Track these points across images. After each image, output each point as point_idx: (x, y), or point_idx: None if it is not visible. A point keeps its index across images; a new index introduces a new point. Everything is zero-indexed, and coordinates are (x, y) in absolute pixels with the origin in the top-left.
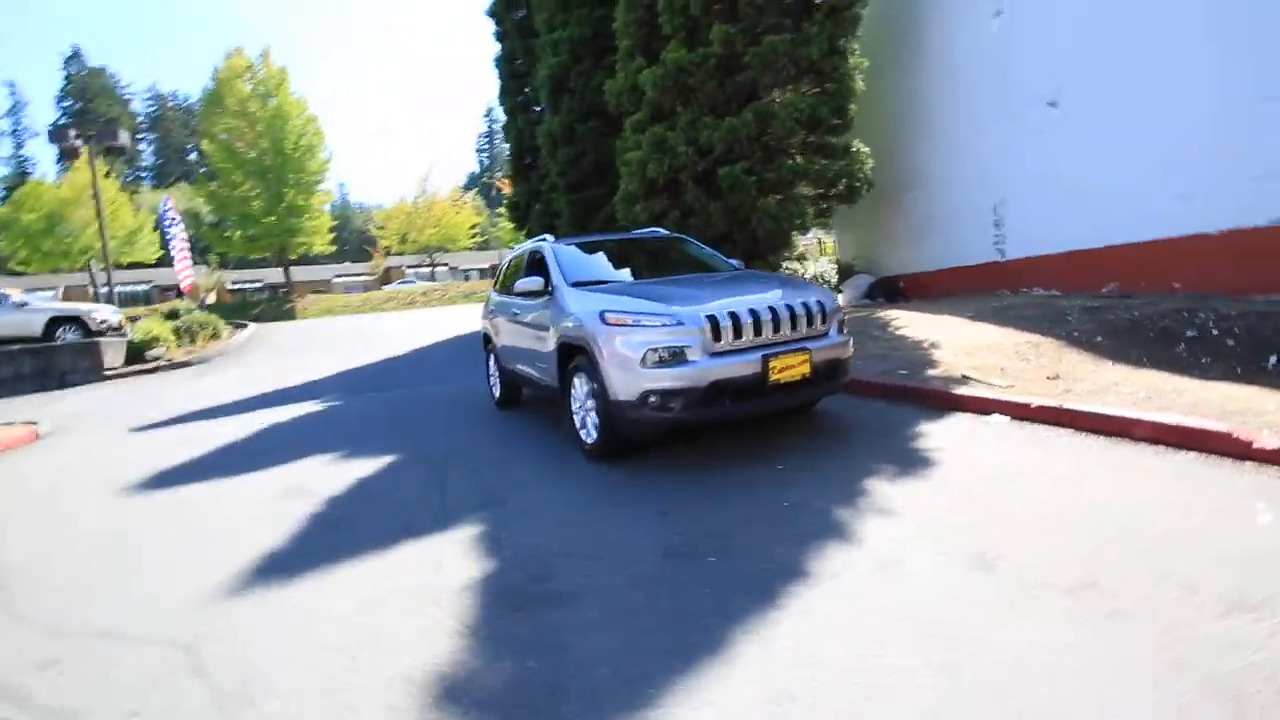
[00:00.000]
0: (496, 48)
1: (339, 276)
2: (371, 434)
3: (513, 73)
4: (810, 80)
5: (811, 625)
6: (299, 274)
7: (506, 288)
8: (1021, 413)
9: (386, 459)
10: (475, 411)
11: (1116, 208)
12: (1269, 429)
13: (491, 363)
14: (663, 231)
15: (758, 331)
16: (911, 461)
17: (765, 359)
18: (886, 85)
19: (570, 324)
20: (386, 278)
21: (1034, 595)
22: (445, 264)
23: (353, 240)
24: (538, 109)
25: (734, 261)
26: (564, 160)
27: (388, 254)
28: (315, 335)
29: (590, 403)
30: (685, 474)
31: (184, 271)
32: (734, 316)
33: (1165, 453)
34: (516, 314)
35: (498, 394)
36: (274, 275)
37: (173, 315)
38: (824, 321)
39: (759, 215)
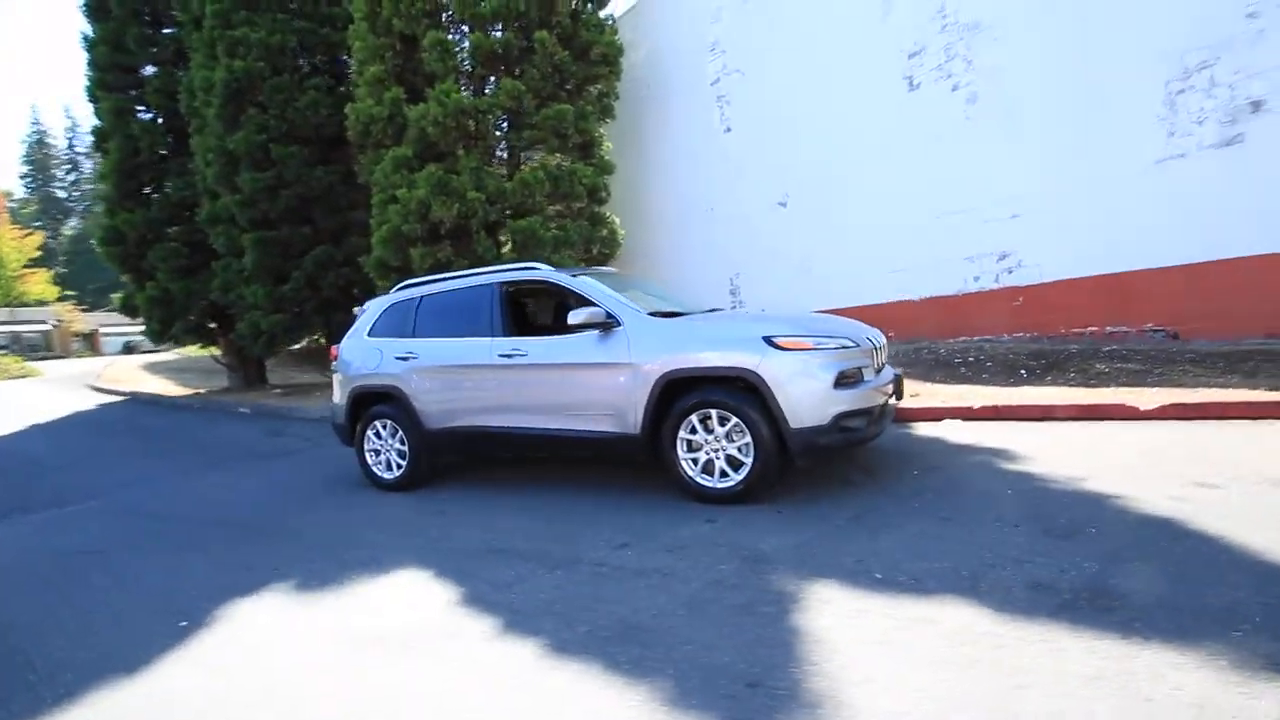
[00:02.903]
0: (87, 25)
1: None
2: (262, 558)
3: (118, 64)
4: (578, 153)
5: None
6: None
7: (434, 331)
8: (966, 414)
9: (411, 574)
10: (366, 499)
11: (842, 281)
12: (1139, 401)
13: (380, 435)
14: (610, 269)
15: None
16: (981, 452)
17: (898, 377)
18: (629, 170)
19: (704, 353)
20: None
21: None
22: None
23: None
24: (149, 114)
25: None
26: (253, 188)
27: None
28: None
29: (726, 442)
30: (843, 505)
31: None
32: (875, 340)
33: (1089, 423)
34: (512, 359)
35: (396, 473)
36: None
37: None
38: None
39: None
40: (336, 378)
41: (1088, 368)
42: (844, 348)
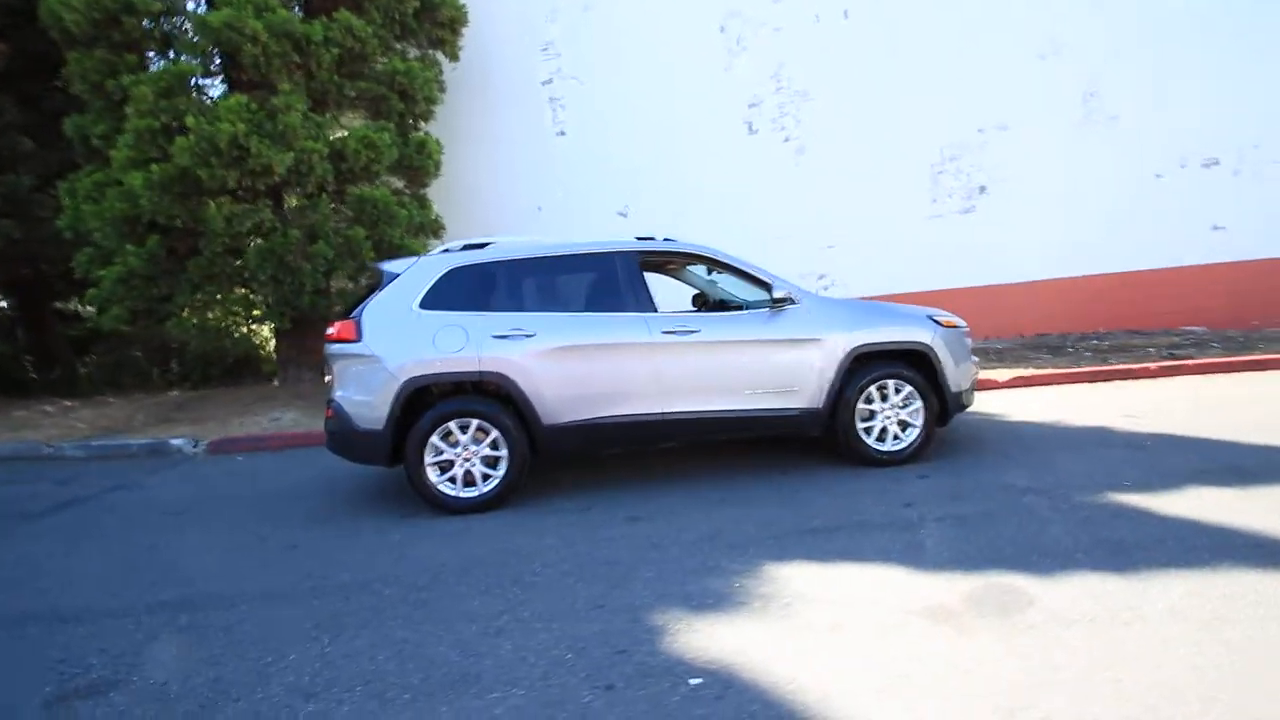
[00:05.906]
0: None
1: None
2: None
3: None
4: (411, 122)
5: None
6: None
7: (540, 305)
8: None
9: (794, 569)
10: (446, 530)
11: (683, 290)
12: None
13: (453, 442)
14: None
15: None
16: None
17: None
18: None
19: (890, 328)
20: None
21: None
22: None
23: None
24: None
25: None
26: None
27: None
28: None
29: (900, 409)
30: (987, 452)
31: None
32: None
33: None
34: (681, 337)
35: (483, 488)
36: None
37: None
38: None
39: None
40: (361, 367)
41: None
42: (966, 329)
